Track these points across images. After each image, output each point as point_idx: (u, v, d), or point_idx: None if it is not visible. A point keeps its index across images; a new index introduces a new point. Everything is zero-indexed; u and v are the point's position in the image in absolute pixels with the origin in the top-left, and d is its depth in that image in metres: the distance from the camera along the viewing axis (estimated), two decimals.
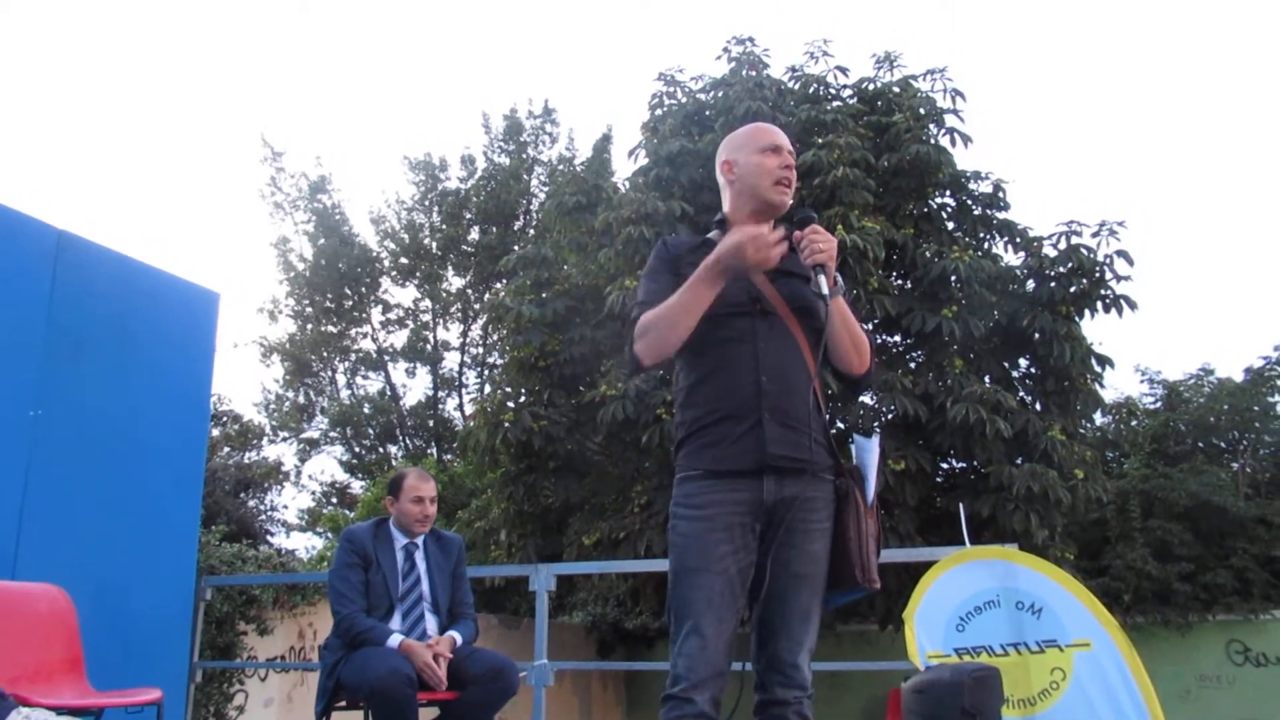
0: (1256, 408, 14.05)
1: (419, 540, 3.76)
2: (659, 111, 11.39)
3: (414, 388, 29.86)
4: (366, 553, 3.59)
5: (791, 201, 2.31)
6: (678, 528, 2.14)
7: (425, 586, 3.68)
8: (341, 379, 21.62)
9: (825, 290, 2.10)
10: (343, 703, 3.46)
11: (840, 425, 10.00)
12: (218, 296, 5.05)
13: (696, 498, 2.13)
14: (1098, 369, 9.81)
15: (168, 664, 4.45)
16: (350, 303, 20.71)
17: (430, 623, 3.63)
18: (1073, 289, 9.60)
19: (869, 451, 2.21)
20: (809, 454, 2.14)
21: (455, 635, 3.58)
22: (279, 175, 20.37)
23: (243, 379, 35.87)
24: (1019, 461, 9.19)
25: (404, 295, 21.63)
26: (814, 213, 2.23)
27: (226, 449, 16.79)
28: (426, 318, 21.48)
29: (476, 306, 20.78)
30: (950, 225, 10.63)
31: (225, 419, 16.89)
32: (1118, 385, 20.47)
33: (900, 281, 10.36)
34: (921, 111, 10.59)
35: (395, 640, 3.39)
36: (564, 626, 14.23)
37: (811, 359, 2.20)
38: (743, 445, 2.12)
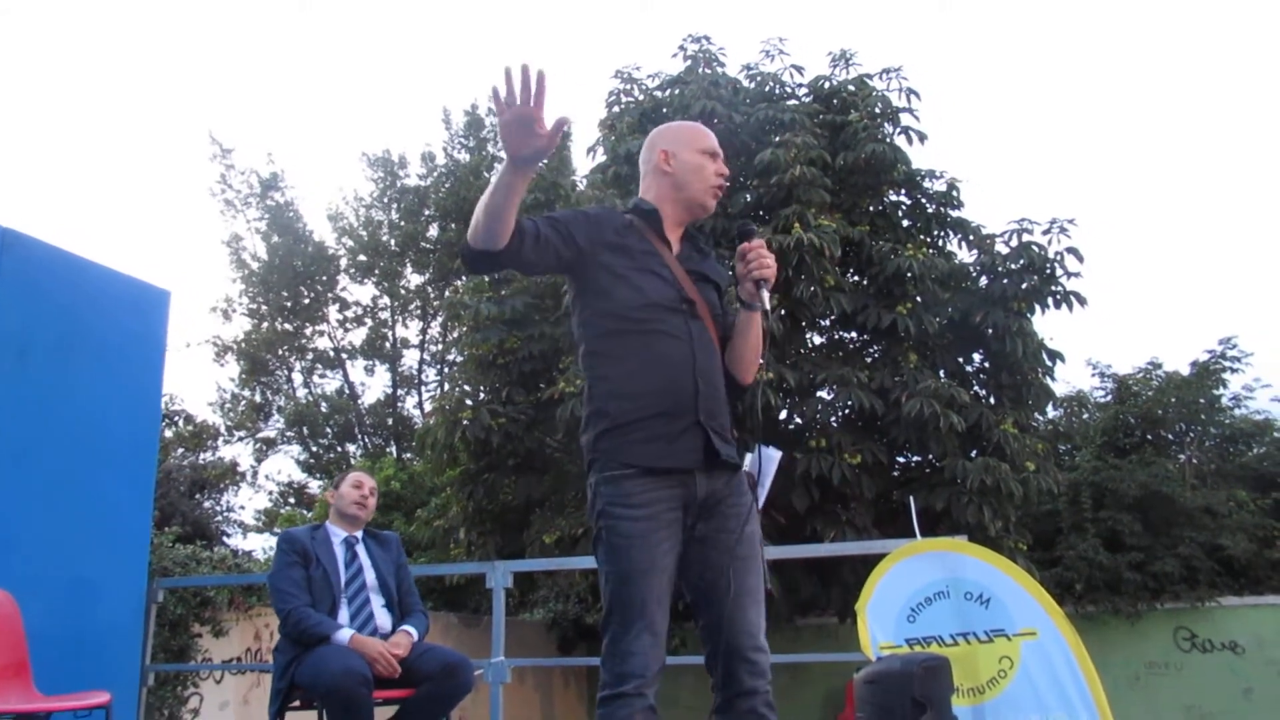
0: (1202, 400, 14.33)
1: (358, 534, 3.78)
2: (616, 109, 11.39)
3: (372, 386, 29.56)
4: (305, 551, 3.58)
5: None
6: (618, 529, 2.10)
7: (371, 576, 3.68)
8: (298, 378, 21.35)
9: (768, 305, 2.22)
10: (296, 703, 3.44)
11: (798, 421, 10.08)
12: (168, 295, 4.98)
13: (636, 496, 2.11)
14: (1049, 363, 9.99)
15: (119, 667, 4.39)
16: (307, 300, 20.46)
17: (378, 610, 3.62)
18: (1024, 285, 9.76)
19: (771, 462, 2.34)
20: (735, 456, 2.25)
21: (410, 629, 3.58)
22: (229, 172, 20.06)
23: (196, 379, 35.31)
24: (973, 455, 9.33)
25: (362, 293, 21.45)
26: (754, 225, 2.33)
27: (181, 450, 16.51)
28: (385, 315, 21.29)
29: (436, 304, 20.63)
30: (905, 223, 10.75)
31: (178, 419, 16.60)
32: (1069, 379, 20.89)
33: (856, 278, 10.47)
34: (877, 110, 10.70)
35: (345, 635, 3.37)
36: (524, 624, 14.18)
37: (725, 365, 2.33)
38: (682, 445, 2.15)
